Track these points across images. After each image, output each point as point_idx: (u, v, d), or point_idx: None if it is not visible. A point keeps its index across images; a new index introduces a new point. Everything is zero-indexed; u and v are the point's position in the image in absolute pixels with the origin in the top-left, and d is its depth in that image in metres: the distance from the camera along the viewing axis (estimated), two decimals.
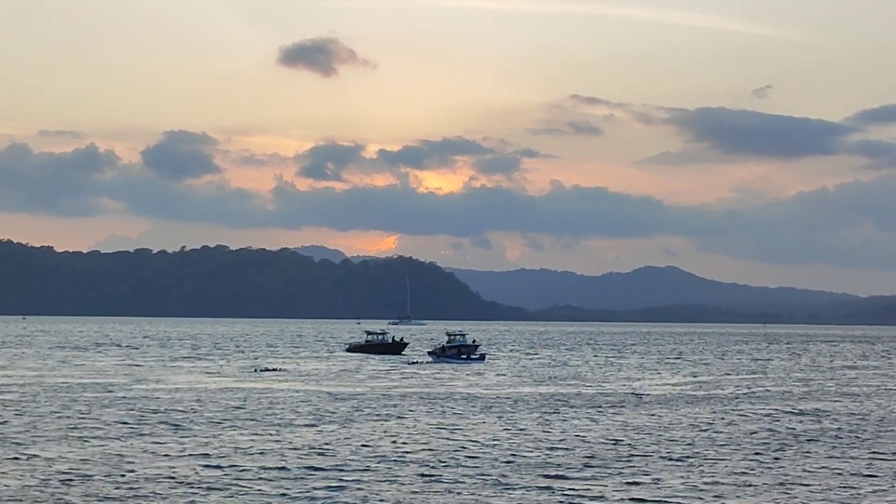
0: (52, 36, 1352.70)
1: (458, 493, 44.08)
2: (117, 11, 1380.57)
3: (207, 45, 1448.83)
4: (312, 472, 48.83)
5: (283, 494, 43.39)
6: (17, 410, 75.51)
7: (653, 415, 79.75)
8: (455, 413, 78.28)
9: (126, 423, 68.31)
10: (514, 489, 45.23)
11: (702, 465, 53.01)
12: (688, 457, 56.08)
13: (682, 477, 49.17)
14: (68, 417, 71.24)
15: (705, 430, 69.20)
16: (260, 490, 44.23)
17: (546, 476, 48.75)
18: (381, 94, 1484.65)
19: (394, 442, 60.29)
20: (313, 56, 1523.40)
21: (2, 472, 47.59)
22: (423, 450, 57.08)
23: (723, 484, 47.43)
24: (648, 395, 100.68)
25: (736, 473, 50.62)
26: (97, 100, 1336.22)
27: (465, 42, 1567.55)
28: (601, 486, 46.45)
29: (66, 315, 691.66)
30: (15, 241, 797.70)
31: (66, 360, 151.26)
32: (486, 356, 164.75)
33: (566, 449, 58.51)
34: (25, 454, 53.38)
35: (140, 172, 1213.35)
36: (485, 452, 56.41)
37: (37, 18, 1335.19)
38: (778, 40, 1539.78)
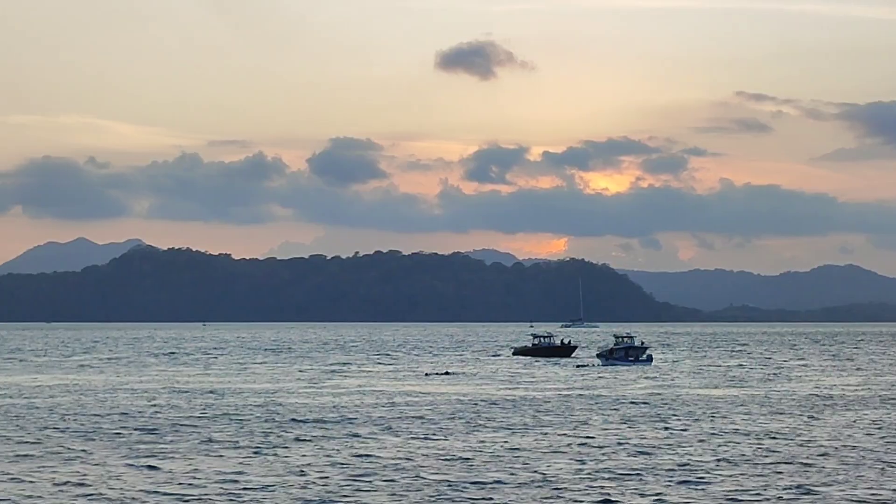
0: (217, 49, 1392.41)
1: None
2: (282, 22, 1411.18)
3: (366, 52, 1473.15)
4: (458, 483, 47.24)
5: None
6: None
7: None
8: (621, 420, 75.97)
9: (275, 429, 67.92)
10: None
11: None
12: None
13: None
14: (224, 423, 71.29)
15: None
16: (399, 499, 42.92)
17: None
18: (542, 95, 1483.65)
19: (555, 452, 58.35)
20: (471, 59, 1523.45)
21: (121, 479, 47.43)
22: (593, 461, 55.05)
23: None
24: None
25: None
26: (263, 109, 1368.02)
27: (624, 41, 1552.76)
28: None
29: (244, 321, 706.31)
30: (194, 249, 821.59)
31: (236, 364, 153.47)
32: (653, 358, 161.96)
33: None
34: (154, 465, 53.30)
35: (308, 180, 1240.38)
36: (654, 460, 54.22)
37: (202, 34, 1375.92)
38: None
